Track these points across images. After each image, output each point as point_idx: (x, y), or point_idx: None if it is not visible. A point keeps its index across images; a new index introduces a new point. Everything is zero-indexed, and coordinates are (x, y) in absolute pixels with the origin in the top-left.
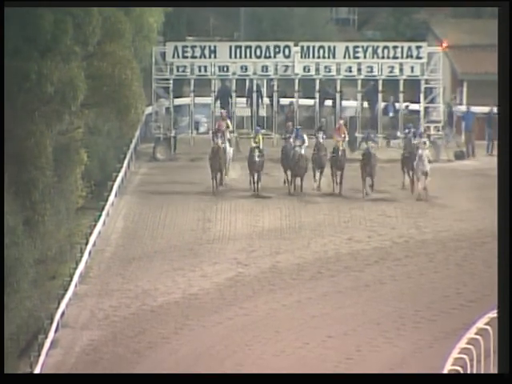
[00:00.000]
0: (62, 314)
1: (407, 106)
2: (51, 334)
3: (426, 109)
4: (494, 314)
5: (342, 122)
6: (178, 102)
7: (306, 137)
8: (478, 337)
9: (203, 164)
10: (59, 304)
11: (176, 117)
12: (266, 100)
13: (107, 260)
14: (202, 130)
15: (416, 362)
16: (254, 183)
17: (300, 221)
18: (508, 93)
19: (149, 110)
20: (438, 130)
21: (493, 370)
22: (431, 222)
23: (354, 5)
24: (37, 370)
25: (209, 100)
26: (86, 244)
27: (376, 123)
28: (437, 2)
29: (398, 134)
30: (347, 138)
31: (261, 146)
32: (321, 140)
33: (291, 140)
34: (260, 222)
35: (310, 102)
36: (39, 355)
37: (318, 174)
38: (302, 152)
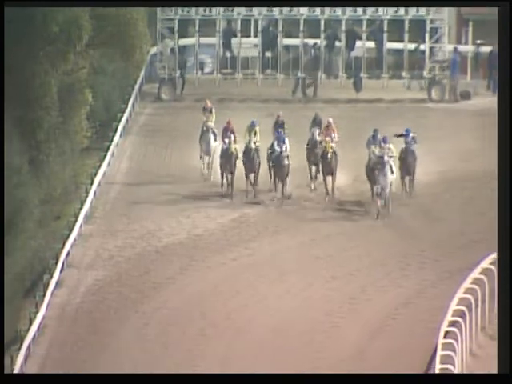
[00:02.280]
0: (67, 254)
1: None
2: (56, 274)
3: (431, 49)
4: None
5: (331, 119)
6: (182, 42)
7: (287, 141)
8: (482, 276)
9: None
10: (64, 244)
11: (185, 58)
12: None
13: (112, 200)
14: (206, 70)
15: (421, 302)
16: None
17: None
18: (508, 93)
19: (154, 50)
20: (443, 70)
21: (496, 310)
22: (436, 162)
23: (354, 5)
24: (42, 310)
25: (214, 40)
26: (91, 184)
27: (381, 63)
28: (437, 2)
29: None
30: (337, 139)
31: (257, 143)
32: (317, 137)
33: (275, 145)
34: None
35: (314, 41)
36: (44, 295)
37: (313, 172)
38: (286, 162)
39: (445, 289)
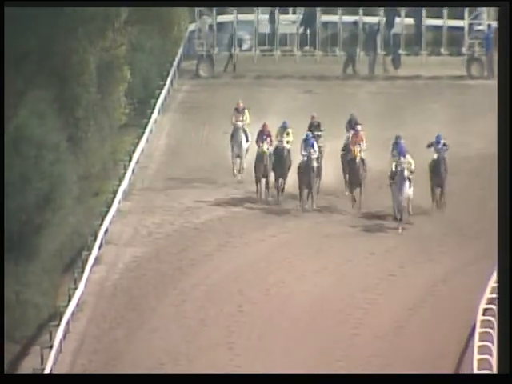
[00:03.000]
0: (106, 230)
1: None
2: (95, 251)
3: (469, 25)
4: None
5: (359, 127)
6: (221, 18)
7: (316, 145)
8: None
9: (246, 81)
10: (103, 221)
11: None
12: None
13: (150, 177)
14: (244, 47)
15: (459, 279)
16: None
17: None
18: (508, 93)
19: (192, 26)
20: (483, 47)
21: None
22: (475, 138)
23: (354, 5)
24: (81, 286)
25: (252, 17)
26: (130, 161)
27: (420, 40)
28: (437, 2)
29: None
30: (365, 147)
31: (289, 143)
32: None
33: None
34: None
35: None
36: (83, 271)
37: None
38: (315, 164)
39: (483, 266)
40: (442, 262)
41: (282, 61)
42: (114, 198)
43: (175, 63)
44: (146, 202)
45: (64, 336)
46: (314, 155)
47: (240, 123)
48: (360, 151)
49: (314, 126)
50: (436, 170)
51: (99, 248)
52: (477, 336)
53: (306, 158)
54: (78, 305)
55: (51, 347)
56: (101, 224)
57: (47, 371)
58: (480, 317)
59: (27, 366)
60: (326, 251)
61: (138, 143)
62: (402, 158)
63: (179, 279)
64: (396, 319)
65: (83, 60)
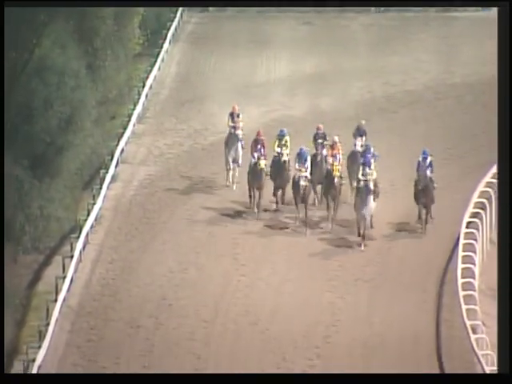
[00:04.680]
0: (122, 151)
1: None
2: (112, 169)
3: None
4: None
5: (336, 138)
6: None
7: (309, 158)
8: None
9: (251, 14)
10: (119, 142)
11: None
12: None
13: (162, 102)
14: None
15: (446, 196)
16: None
17: (339, 67)
18: (508, 93)
19: None
20: None
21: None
22: (461, 66)
23: (355, 5)
24: (99, 202)
25: None
26: (143, 87)
27: None
28: (437, 2)
29: None
30: (341, 160)
31: (286, 156)
32: (359, 148)
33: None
34: (301, 66)
35: None
36: (101, 188)
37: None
38: (302, 183)
39: (468, 184)
40: None
41: None
42: (129, 121)
43: None
44: (158, 125)
45: (84, 247)
46: (306, 172)
47: (238, 130)
48: (337, 163)
49: (318, 136)
50: (423, 191)
51: (116, 167)
52: (461, 247)
53: (297, 178)
54: (96, 219)
55: (72, 257)
56: (117, 145)
57: (68, 279)
58: (464, 229)
59: (50, 275)
60: None
61: (150, 71)
62: (367, 169)
63: (188, 195)
64: (386, 233)
65: None
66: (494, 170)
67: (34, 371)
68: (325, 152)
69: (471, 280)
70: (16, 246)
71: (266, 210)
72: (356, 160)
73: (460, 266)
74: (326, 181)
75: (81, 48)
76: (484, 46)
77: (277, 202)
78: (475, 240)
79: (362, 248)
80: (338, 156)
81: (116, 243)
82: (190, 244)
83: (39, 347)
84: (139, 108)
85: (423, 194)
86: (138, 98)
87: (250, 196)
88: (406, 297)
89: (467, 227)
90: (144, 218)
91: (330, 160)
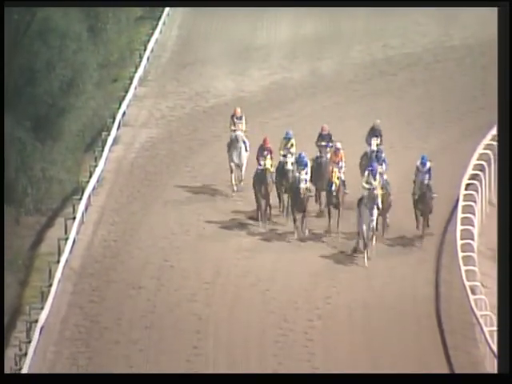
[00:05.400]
0: (123, 113)
1: None
2: (113, 132)
3: None
4: None
5: (338, 144)
6: None
7: (309, 164)
8: None
9: None
10: (120, 104)
11: None
12: None
13: (164, 65)
14: None
15: (445, 158)
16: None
17: (339, 30)
18: (508, 93)
19: None
20: None
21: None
22: (459, 29)
23: (355, 5)
24: (101, 164)
25: None
26: (145, 50)
27: None
28: (437, 2)
29: None
30: (344, 168)
31: (290, 165)
32: (374, 147)
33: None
34: (302, 29)
35: None
36: (103, 150)
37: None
38: (302, 185)
39: (467, 146)
40: (430, 142)
41: None
42: (131, 83)
43: None
44: (160, 88)
45: (86, 209)
46: (306, 177)
47: (239, 132)
48: (339, 171)
49: (323, 137)
50: (421, 198)
51: (117, 129)
52: (460, 209)
53: (297, 181)
54: (98, 181)
55: (74, 219)
56: (119, 107)
57: (70, 241)
58: (463, 191)
59: (52, 236)
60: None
61: (152, 34)
62: (371, 178)
63: (190, 158)
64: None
65: None
66: (494, 132)
67: (37, 332)
68: (328, 155)
69: (470, 241)
70: (18, 207)
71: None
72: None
73: (459, 227)
74: (326, 189)
75: (83, 11)
76: (483, 8)
77: (284, 210)
78: (474, 202)
79: (366, 264)
80: (340, 163)
81: (118, 205)
82: (191, 206)
83: (42, 308)
84: (141, 71)
85: (421, 201)
86: (140, 61)
87: (258, 205)
88: (405, 257)
89: (466, 189)
90: (145, 180)
91: (331, 168)
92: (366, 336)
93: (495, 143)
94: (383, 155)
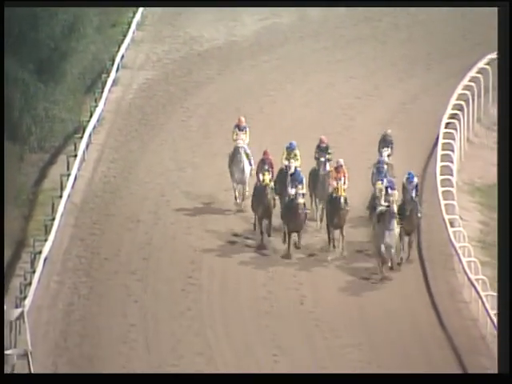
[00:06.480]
0: (122, 56)
1: None
2: (113, 74)
3: None
4: (493, 55)
5: (341, 160)
6: None
7: (304, 180)
8: (478, 75)
9: None
10: (119, 48)
11: None
12: None
13: (160, 11)
14: None
15: (427, 98)
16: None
17: None
18: (508, 93)
19: None
20: None
21: (491, 104)
22: None
23: (355, 5)
24: (101, 104)
25: None
26: None
27: None
28: (437, 1)
29: None
30: (347, 185)
31: (292, 167)
32: (385, 158)
33: (288, 187)
34: None
35: None
36: (102, 92)
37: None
38: (300, 200)
39: (448, 87)
40: (412, 84)
41: None
42: (129, 28)
43: None
44: (157, 32)
45: (87, 147)
46: (303, 191)
47: (241, 142)
48: (342, 188)
49: (321, 150)
50: (407, 216)
51: (116, 71)
52: (440, 146)
53: (291, 197)
54: (98, 120)
55: (76, 156)
56: (117, 51)
57: (72, 177)
58: (443, 130)
59: (55, 173)
60: (313, 75)
61: None
62: (389, 191)
63: (185, 99)
64: (370, 134)
65: None
66: (472, 73)
67: (41, 263)
68: (328, 168)
69: (449, 177)
70: (23, 145)
71: None
72: (382, 171)
73: (439, 164)
74: (329, 206)
75: None
76: None
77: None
78: (453, 140)
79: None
80: (342, 179)
81: (117, 143)
82: (186, 144)
83: (45, 240)
84: (138, 16)
85: (407, 219)
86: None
87: (256, 224)
88: None
89: (446, 128)
90: (143, 120)
91: (335, 183)
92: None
93: (473, 84)
94: (385, 169)
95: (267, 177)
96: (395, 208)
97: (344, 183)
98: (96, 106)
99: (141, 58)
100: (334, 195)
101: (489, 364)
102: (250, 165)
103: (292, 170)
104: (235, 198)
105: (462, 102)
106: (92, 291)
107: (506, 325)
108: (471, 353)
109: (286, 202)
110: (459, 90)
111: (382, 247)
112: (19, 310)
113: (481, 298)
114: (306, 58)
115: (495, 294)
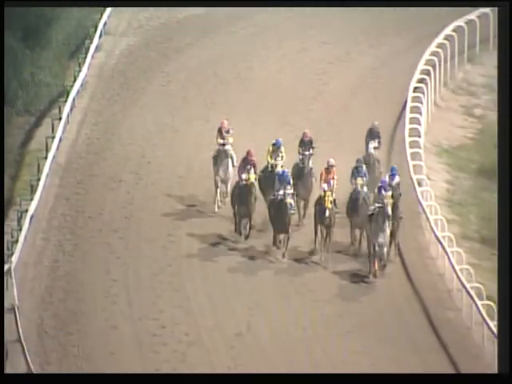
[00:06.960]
0: (105, 23)
1: None
2: (95, 40)
3: None
4: (459, 22)
5: (332, 161)
6: None
7: (291, 180)
8: (445, 42)
9: None
10: (102, 15)
11: None
12: None
13: None
14: None
15: (395, 64)
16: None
17: None
18: (508, 93)
19: None
20: None
21: (457, 69)
22: None
23: (355, 5)
24: (84, 69)
25: None
26: None
27: None
28: (437, 2)
29: None
30: (336, 186)
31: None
32: (371, 150)
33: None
34: None
35: None
36: (86, 57)
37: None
38: (288, 200)
39: (416, 52)
40: (381, 50)
41: None
42: None
43: None
44: None
45: (71, 110)
46: (291, 191)
47: (228, 146)
48: (332, 194)
49: (304, 144)
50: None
51: (99, 38)
52: (408, 109)
53: (279, 198)
54: (82, 85)
55: (60, 119)
56: (100, 18)
57: (57, 139)
58: (411, 94)
59: (40, 135)
60: (286, 41)
61: None
62: (383, 192)
63: (165, 64)
64: (343, 98)
65: None
66: (439, 40)
67: (27, 221)
68: (311, 164)
69: (417, 139)
70: (10, 108)
71: None
72: (360, 171)
73: (407, 126)
74: (317, 208)
75: None
76: None
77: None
78: (421, 103)
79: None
80: (331, 182)
81: (100, 107)
82: (166, 107)
83: (31, 199)
84: None
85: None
86: None
87: (237, 223)
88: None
89: (414, 92)
90: (125, 84)
91: (325, 187)
92: None
93: (440, 50)
94: (364, 169)
95: (252, 175)
96: (389, 209)
97: (333, 187)
98: (80, 71)
99: (123, 24)
100: (322, 199)
101: (452, 315)
102: (234, 166)
103: (279, 169)
104: (216, 200)
105: (430, 68)
106: (76, 248)
107: (506, 325)
108: (438, 306)
109: (275, 202)
110: (427, 56)
111: (376, 246)
112: (6, 267)
113: (447, 253)
114: (281, 24)
115: (460, 250)
